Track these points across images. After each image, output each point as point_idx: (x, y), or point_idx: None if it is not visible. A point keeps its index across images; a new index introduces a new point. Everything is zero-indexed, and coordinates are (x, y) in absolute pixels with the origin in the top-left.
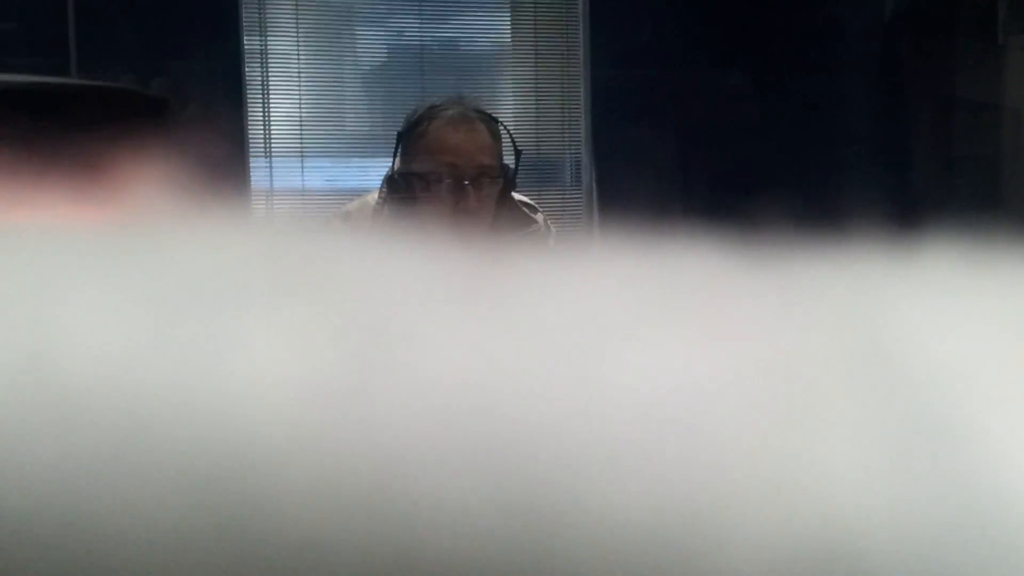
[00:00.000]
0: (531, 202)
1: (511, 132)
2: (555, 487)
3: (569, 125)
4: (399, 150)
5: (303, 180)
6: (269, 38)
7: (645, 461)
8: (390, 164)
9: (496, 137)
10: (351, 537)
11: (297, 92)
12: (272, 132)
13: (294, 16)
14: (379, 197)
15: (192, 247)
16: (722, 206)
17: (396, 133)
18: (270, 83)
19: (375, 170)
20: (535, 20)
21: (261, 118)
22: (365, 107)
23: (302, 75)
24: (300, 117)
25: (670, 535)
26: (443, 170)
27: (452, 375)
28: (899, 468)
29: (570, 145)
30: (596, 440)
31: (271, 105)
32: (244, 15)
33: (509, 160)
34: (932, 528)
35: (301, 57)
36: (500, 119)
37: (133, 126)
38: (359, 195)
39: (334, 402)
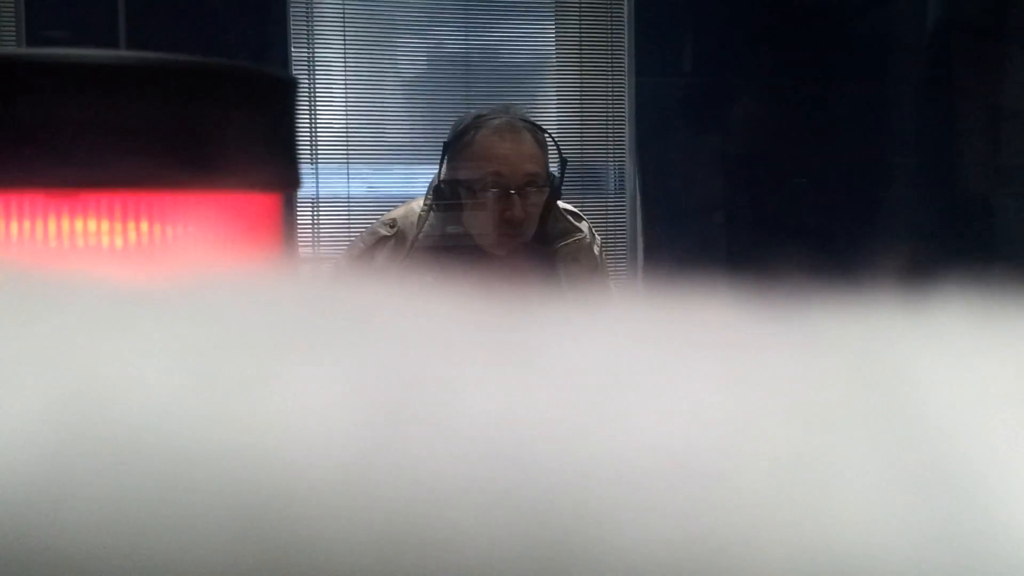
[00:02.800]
0: (576, 211)
1: (557, 141)
2: (582, 529)
3: (613, 133)
4: (445, 159)
5: (348, 187)
6: (316, 48)
7: (667, 503)
8: (435, 173)
9: (542, 146)
10: (385, 573)
11: (343, 101)
12: (319, 140)
13: (341, 27)
14: (424, 205)
15: (238, 295)
16: (769, 216)
17: (443, 143)
18: (317, 92)
19: (418, 178)
20: (579, 28)
21: (308, 127)
22: (409, 116)
23: (348, 85)
24: (346, 126)
25: (691, 573)
26: (489, 179)
27: (483, 420)
28: (912, 513)
29: (614, 153)
30: (620, 484)
31: (317, 114)
32: (292, 26)
33: (555, 169)
34: (944, 571)
35: (347, 67)
36: (544, 128)
37: (264, 106)
38: (403, 202)
39: (370, 444)
